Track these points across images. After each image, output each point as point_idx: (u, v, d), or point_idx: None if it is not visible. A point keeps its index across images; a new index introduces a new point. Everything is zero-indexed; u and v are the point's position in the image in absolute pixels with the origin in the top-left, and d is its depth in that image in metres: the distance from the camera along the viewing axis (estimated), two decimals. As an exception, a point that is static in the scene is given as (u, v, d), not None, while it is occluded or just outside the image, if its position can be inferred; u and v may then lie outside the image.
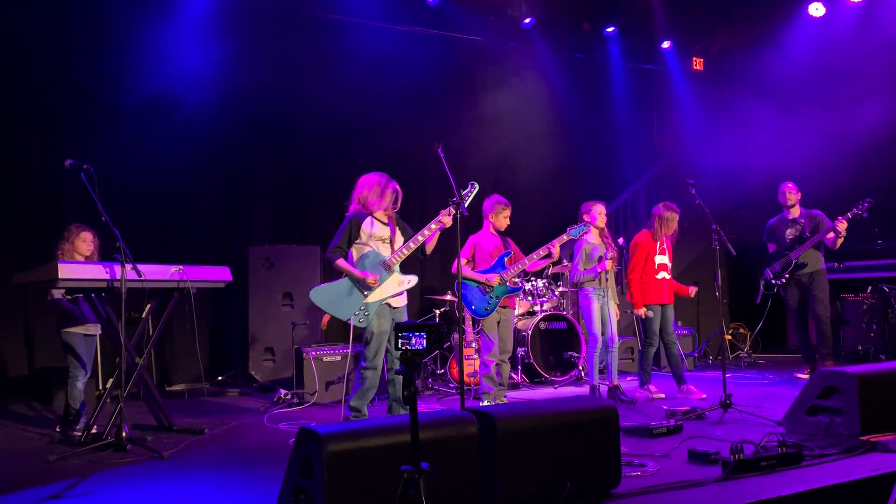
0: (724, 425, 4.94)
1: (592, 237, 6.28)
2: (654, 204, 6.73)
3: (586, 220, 6.22)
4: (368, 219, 5.00)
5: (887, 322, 7.91)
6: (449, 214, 4.86)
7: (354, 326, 4.91)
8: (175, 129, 7.71)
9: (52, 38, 7.24)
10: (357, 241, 4.98)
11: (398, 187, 5.13)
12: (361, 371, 4.95)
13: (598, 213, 6.26)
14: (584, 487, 3.28)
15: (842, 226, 6.94)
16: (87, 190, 4.65)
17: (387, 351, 5.06)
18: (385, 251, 5.01)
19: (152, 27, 7.63)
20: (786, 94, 9.55)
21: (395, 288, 4.97)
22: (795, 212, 7.37)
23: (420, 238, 4.97)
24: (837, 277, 8.37)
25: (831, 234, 7.05)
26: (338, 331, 8.10)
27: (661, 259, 6.44)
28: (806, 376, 7.16)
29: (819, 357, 7.17)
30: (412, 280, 5.04)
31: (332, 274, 7.72)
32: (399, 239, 5.11)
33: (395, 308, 5.03)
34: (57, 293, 5.32)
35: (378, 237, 5.00)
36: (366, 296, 4.88)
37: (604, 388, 6.24)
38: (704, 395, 6.17)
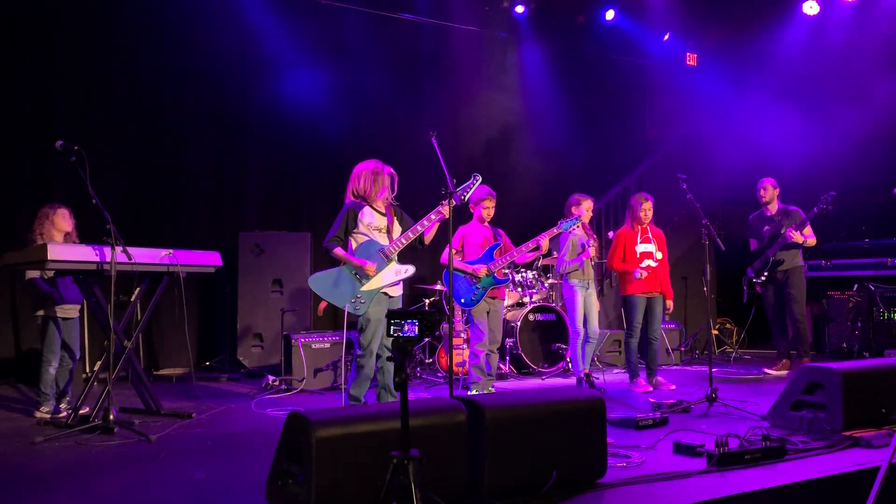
0: (710, 419, 4.98)
1: (576, 229, 6.33)
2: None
3: (574, 213, 6.26)
4: (365, 208, 4.98)
5: (872, 320, 8.00)
6: (448, 206, 4.84)
7: (349, 314, 4.89)
8: (167, 113, 7.67)
9: (42, 16, 7.18)
10: (355, 231, 4.96)
11: (394, 172, 5.09)
12: (357, 359, 4.93)
13: (587, 209, 6.31)
14: (570, 477, 3.31)
15: (793, 235, 7.01)
16: (78, 172, 4.62)
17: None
18: (383, 240, 4.99)
19: (141, 7, 7.58)
20: (778, 91, 9.59)
21: (393, 277, 4.96)
22: (773, 208, 7.41)
23: (419, 228, 4.95)
24: (824, 275, 8.45)
25: (792, 237, 7.06)
26: (326, 318, 8.12)
27: (645, 247, 6.43)
28: (774, 372, 7.28)
29: (796, 355, 7.21)
30: (409, 269, 5.03)
31: (322, 261, 7.75)
32: (396, 228, 5.09)
33: (391, 297, 5.03)
34: (32, 273, 5.26)
35: (375, 227, 4.99)
36: (363, 284, 4.88)
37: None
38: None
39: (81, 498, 3.42)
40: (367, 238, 4.95)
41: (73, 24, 7.33)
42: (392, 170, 5.09)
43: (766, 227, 7.36)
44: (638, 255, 6.42)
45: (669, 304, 6.58)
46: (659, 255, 6.48)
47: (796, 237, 7.03)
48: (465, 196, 4.99)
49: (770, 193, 7.35)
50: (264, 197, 8.42)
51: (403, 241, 4.96)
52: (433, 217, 4.87)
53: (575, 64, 10.15)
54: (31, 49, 7.15)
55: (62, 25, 7.29)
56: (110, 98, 7.49)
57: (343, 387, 6.11)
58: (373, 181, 4.97)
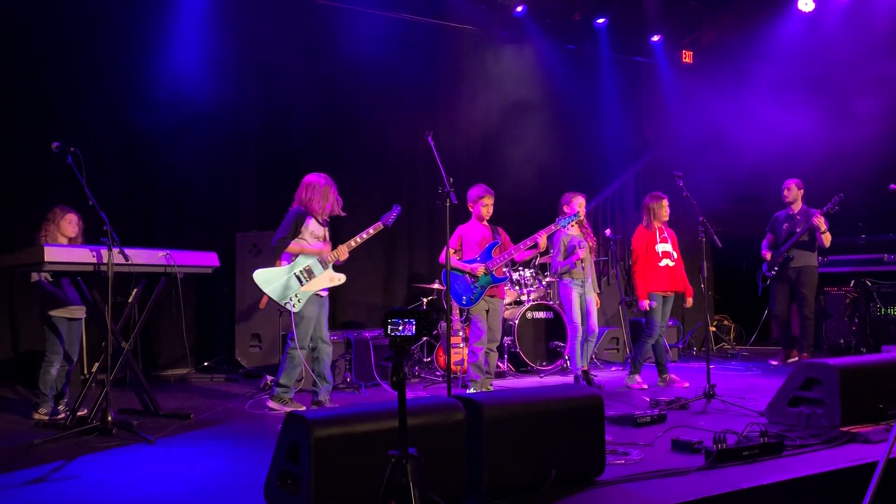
0: (708, 415, 4.99)
1: (571, 229, 6.32)
2: (642, 196, 6.81)
3: (566, 211, 6.27)
4: (310, 217, 5.46)
5: (869, 315, 8.03)
6: (373, 230, 5.42)
7: (287, 312, 5.42)
8: (162, 113, 7.66)
9: (40, 18, 7.17)
10: (299, 237, 5.43)
11: (336, 189, 5.55)
12: (290, 352, 5.39)
13: (579, 204, 6.31)
14: (568, 474, 3.31)
15: (817, 220, 7.22)
16: (75, 173, 4.61)
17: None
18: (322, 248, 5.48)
19: (141, 9, 7.57)
20: (775, 88, 9.59)
21: (327, 283, 5.49)
22: (797, 207, 7.61)
23: (352, 243, 5.46)
24: (821, 271, 8.44)
25: (818, 232, 7.24)
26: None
27: (664, 247, 6.47)
28: (776, 363, 7.56)
29: (799, 350, 7.46)
30: (342, 277, 5.54)
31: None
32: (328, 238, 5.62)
33: (321, 297, 5.52)
34: (37, 275, 5.27)
35: (317, 236, 5.49)
36: (303, 285, 5.37)
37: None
38: (687, 384, 6.27)
39: (80, 500, 3.42)
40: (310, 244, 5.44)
41: (69, 24, 7.30)
42: (335, 185, 5.54)
43: (786, 225, 7.59)
44: (659, 254, 6.43)
45: (689, 300, 6.63)
46: (675, 255, 6.52)
47: (820, 221, 7.20)
48: (390, 222, 5.49)
49: (794, 193, 7.59)
50: (260, 197, 8.40)
51: (334, 256, 5.44)
52: (358, 240, 5.47)
53: (571, 62, 10.15)
54: (27, 49, 7.12)
55: (58, 25, 7.26)
56: (106, 99, 7.47)
57: (340, 386, 6.15)
58: (320, 196, 5.45)
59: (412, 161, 9.07)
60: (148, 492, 3.49)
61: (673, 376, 6.41)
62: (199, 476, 3.76)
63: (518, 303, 7.82)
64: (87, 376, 6.37)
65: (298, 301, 5.35)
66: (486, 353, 5.99)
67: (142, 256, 4.93)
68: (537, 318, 7.65)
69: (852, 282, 8.28)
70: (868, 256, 8.33)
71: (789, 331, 7.59)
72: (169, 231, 7.67)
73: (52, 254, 4.54)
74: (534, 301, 7.71)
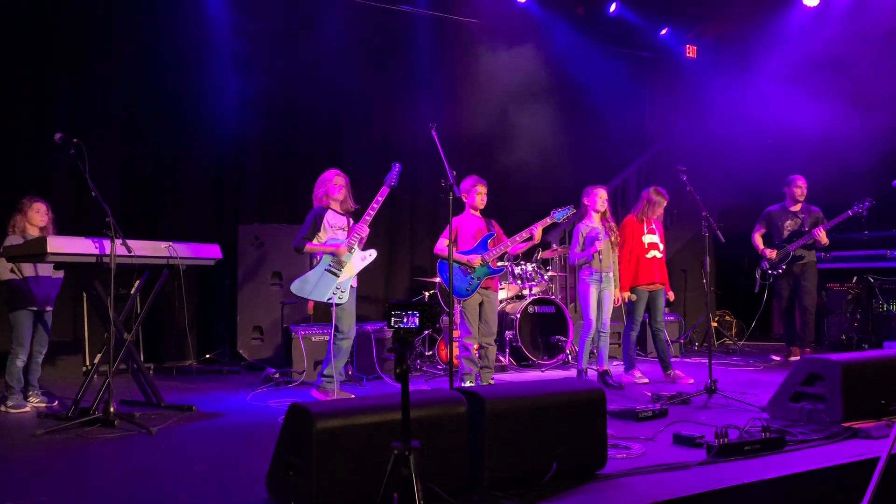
0: (709, 410, 4.99)
1: (592, 221, 6.26)
2: (645, 190, 6.77)
3: (586, 203, 6.24)
4: (329, 211, 5.62)
5: (871, 311, 8.02)
6: (381, 197, 5.53)
7: (334, 305, 5.44)
8: (164, 105, 7.66)
9: (37, 9, 7.17)
10: (319, 234, 5.56)
11: (348, 182, 5.74)
12: (339, 343, 5.53)
13: (598, 196, 6.25)
14: (570, 468, 3.31)
15: (820, 236, 7.19)
16: (77, 164, 4.61)
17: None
18: (343, 237, 5.61)
19: (140, 6, 7.57)
20: (779, 83, 9.57)
21: (361, 264, 5.57)
22: (798, 205, 7.49)
23: (367, 217, 5.54)
24: (823, 267, 8.44)
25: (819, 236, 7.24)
26: (326, 311, 8.11)
27: (651, 238, 6.44)
28: (779, 359, 7.55)
29: (800, 345, 7.40)
30: (373, 253, 5.62)
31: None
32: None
33: (353, 288, 5.63)
34: (6, 274, 5.29)
35: (338, 227, 5.62)
36: (339, 275, 5.47)
37: (593, 373, 6.28)
38: (692, 381, 6.23)
39: (82, 491, 3.42)
40: (331, 236, 5.57)
41: (69, 16, 7.30)
42: (348, 179, 5.73)
43: (788, 222, 7.49)
44: (646, 246, 6.41)
45: (670, 294, 6.58)
46: (661, 247, 6.50)
47: (822, 237, 7.19)
48: (395, 181, 5.58)
49: (804, 191, 7.46)
50: (262, 189, 8.41)
51: (356, 237, 5.54)
52: (375, 205, 5.54)
53: (574, 56, 10.12)
54: (28, 41, 7.12)
55: (58, 17, 7.26)
56: (108, 91, 7.47)
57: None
58: (333, 186, 5.60)
59: (414, 154, 9.05)
60: (150, 483, 3.50)
61: (678, 372, 6.37)
62: (201, 467, 3.77)
63: (520, 297, 7.81)
64: (90, 368, 6.39)
65: (343, 292, 5.47)
66: (485, 346, 5.97)
67: (144, 248, 4.93)
68: (539, 313, 7.64)
69: (854, 278, 8.27)
70: (871, 252, 8.31)
71: (794, 328, 7.53)
72: (171, 223, 7.66)
73: (54, 245, 4.54)
74: (535, 295, 7.70)
